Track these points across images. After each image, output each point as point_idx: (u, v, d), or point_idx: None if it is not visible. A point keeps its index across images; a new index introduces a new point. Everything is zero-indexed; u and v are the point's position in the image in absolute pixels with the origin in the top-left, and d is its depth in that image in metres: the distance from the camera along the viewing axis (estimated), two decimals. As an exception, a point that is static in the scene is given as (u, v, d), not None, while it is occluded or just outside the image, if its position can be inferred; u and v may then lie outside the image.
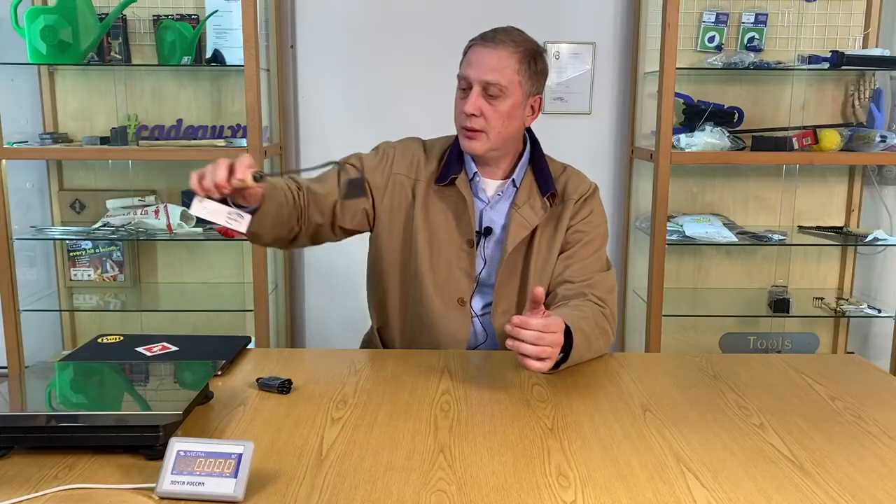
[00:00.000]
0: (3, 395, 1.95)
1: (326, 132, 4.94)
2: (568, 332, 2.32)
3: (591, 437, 1.94)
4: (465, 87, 2.63)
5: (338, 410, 2.12)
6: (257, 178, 2.23)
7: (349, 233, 2.77)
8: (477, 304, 2.79)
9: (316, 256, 5.03)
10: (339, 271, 5.04)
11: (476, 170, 2.73)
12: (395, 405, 2.16)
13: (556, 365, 2.33)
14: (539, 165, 2.77)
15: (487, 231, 2.75)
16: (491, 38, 2.61)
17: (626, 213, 5.01)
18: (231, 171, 2.19)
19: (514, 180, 2.75)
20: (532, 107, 2.70)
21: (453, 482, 1.70)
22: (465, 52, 2.67)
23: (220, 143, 4.53)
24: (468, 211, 2.71)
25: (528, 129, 2.82)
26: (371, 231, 2.81)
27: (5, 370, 2.17)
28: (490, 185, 2.77)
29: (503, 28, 2.66)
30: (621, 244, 5.05)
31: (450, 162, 2.73)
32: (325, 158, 2.35)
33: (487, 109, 2.59)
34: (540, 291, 2.15)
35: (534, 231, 2.72)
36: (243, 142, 4.47)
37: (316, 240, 2.71)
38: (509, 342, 2.15)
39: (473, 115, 2.59)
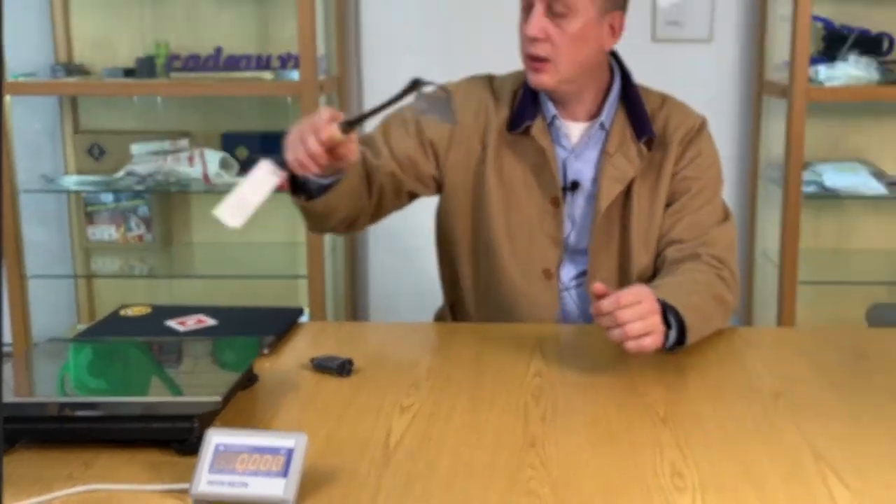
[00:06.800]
0: (8, 378, 1.95)
1: (394, 63, 4.87)
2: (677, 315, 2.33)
3: (711, 429, 1.96)
4: (526, 7, 2.61)
5: (408, 397, 2.15)
6: (346, 128, 2.24)
7: (414, 197, 2.80)
8: (567, 273, 2.79)
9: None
10: (409, 230, 4.96)
11: (555, 112, 2.70)
12: (477, 390, 2.18)
13: (670, 348, 2.35)
14: (632, 102, 2.73)
15: (574, 185, 2.73)
16: None
17: (753, 161, 4.91)
18: (316, 132, 2.24)
19: (602, 122, 2.72)
20: (612, 26, 2.64)
21: (546, 483, 1.72)
22: None
23: (267, 75, 4.57)
24: (549, 163, 2.68)
25: (617, 58, 2.78)
26: (439, 193, 2.82)
27: (10, 349, 2.17)
28: (574, 129, 2.74)
29: None
30: (747, 198, 4.98)
31: (523, 105, 2.70)
32: (391, 94, 2.32)
33: (553, 31, 2.56)
34: (599, 288, 2.19)
35: (631, 183, 2.69)
36: (294, 74, 4.47)
37: (377, 214, 2.74)
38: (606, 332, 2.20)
39: (537, 38, 2.56)
